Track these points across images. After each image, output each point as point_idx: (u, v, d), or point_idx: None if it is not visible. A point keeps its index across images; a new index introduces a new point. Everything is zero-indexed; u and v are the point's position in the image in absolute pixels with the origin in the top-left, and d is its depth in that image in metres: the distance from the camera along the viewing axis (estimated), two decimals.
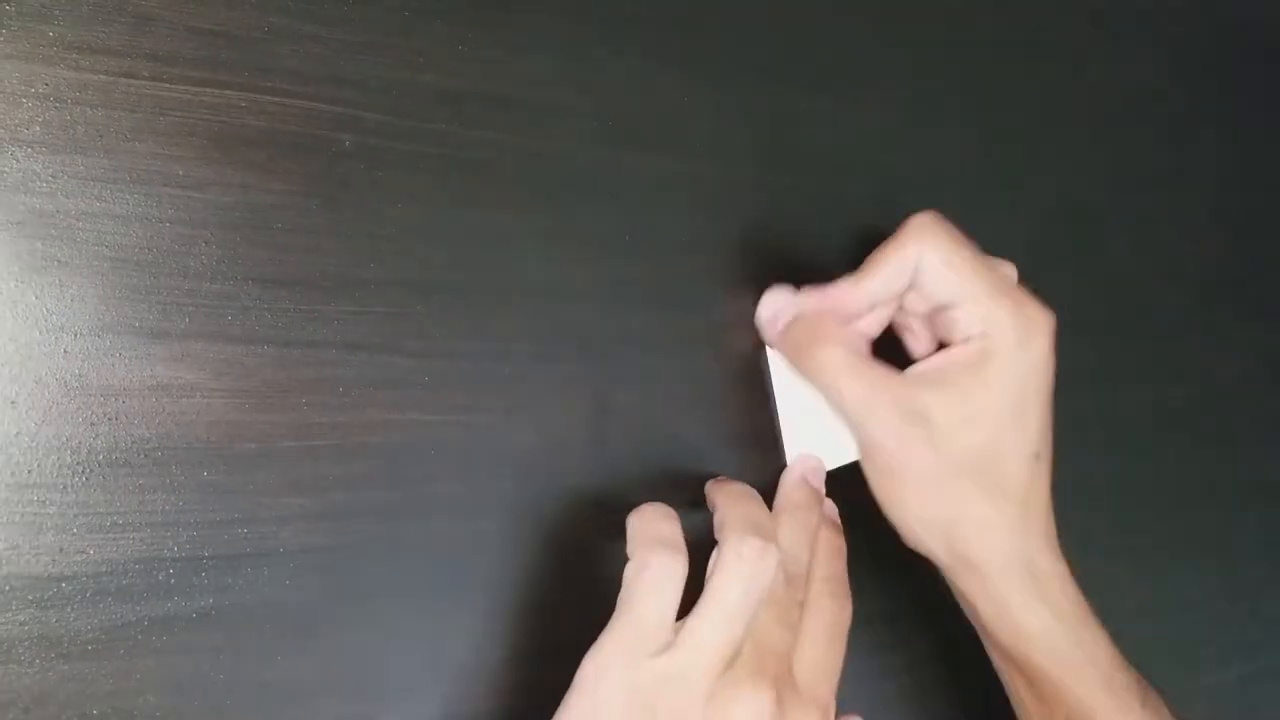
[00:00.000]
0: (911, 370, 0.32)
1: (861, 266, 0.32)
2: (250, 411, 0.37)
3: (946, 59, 0.56)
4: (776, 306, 0.32)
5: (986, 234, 0.58)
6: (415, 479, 0.40)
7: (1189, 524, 0.63)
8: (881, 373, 0.32)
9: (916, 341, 0.36)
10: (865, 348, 0.34)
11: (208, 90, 0.37)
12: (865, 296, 0.32)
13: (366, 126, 0.40)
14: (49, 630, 0.34)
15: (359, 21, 0.40)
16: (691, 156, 0.47)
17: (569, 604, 0.42)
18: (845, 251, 0.51)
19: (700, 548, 0.33)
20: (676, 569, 0.30)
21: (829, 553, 0.33)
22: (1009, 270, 0.35)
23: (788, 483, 0.34)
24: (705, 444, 0.46)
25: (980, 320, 0.31)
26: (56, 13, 0.35)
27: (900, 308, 0.35)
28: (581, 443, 0.43)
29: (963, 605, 0.35)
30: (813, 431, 0.33)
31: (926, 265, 0.31)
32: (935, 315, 0.33)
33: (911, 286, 0.32)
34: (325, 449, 0.38)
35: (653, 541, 0.30)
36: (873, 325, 0.35)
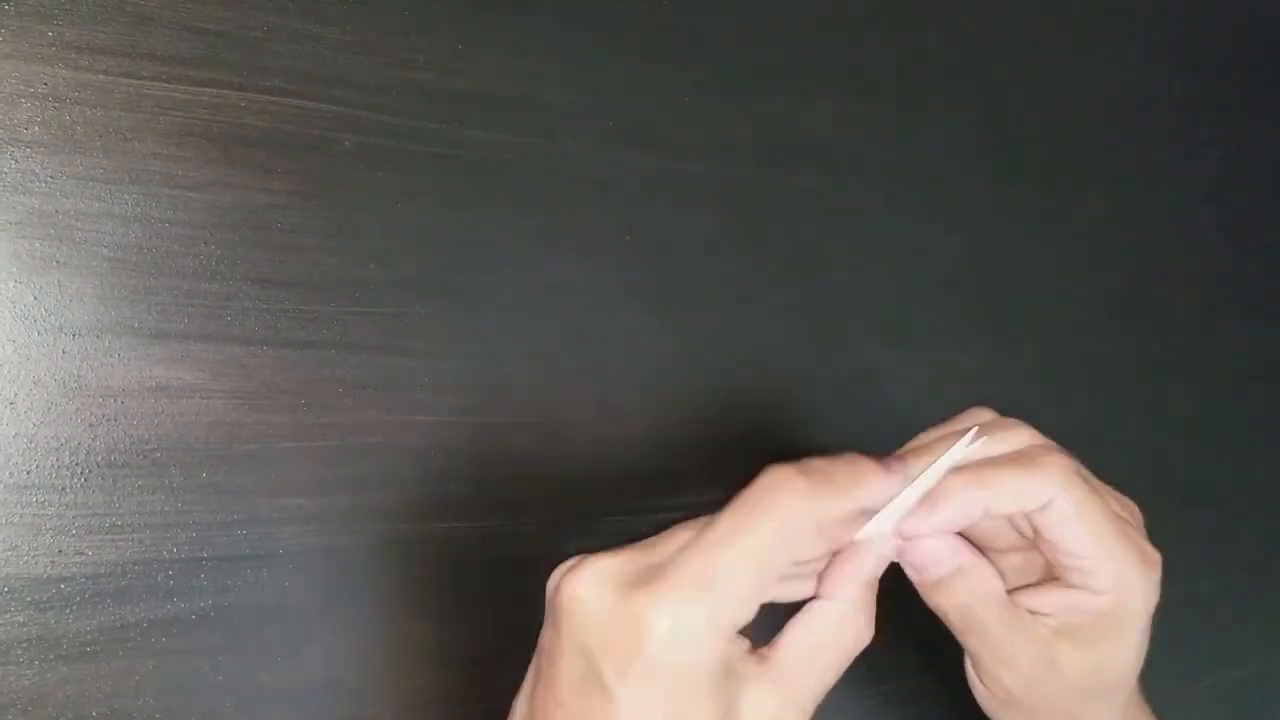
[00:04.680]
0: (1042, 615, 0.32)
1: (981, 474, 0.30)
2: (249, 412, 0.37)
3: (946, 59, 0.56)
4: (935, 557, 0.30)
5: (987, 234, 0.58)
6: (415, 479, 0.40)
7: (1189, 524, 0.62)
8: (1022, 620, 0.31)
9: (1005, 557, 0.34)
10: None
11: (207, 90, 0.37)
12: (980, 508, 0.30)
13: (366, 126, 0.40)
14: (48, 632, 0.34)
15: (358, 21, 0.40)
16: (691, 156, 0.47)
17: None
18: (845, 252, 0.51)
19: None
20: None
21: (879, 558, 0.30)
22: (1130, 507, 0.34)
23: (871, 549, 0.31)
24: (704, 444, 0.46)
25: (1113, 577, 0.31)
26: (56, 13, 0.35)
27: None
28: (582, 443, 0.43)
29: None
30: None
31: (1056, 510, 0.30)
32: (1052, 553, 0.32)
33: (1035, 527, 0.31)
34: (325, 450, 0.38)
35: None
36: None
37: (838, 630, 0.28)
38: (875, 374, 0.52)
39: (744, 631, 0.27)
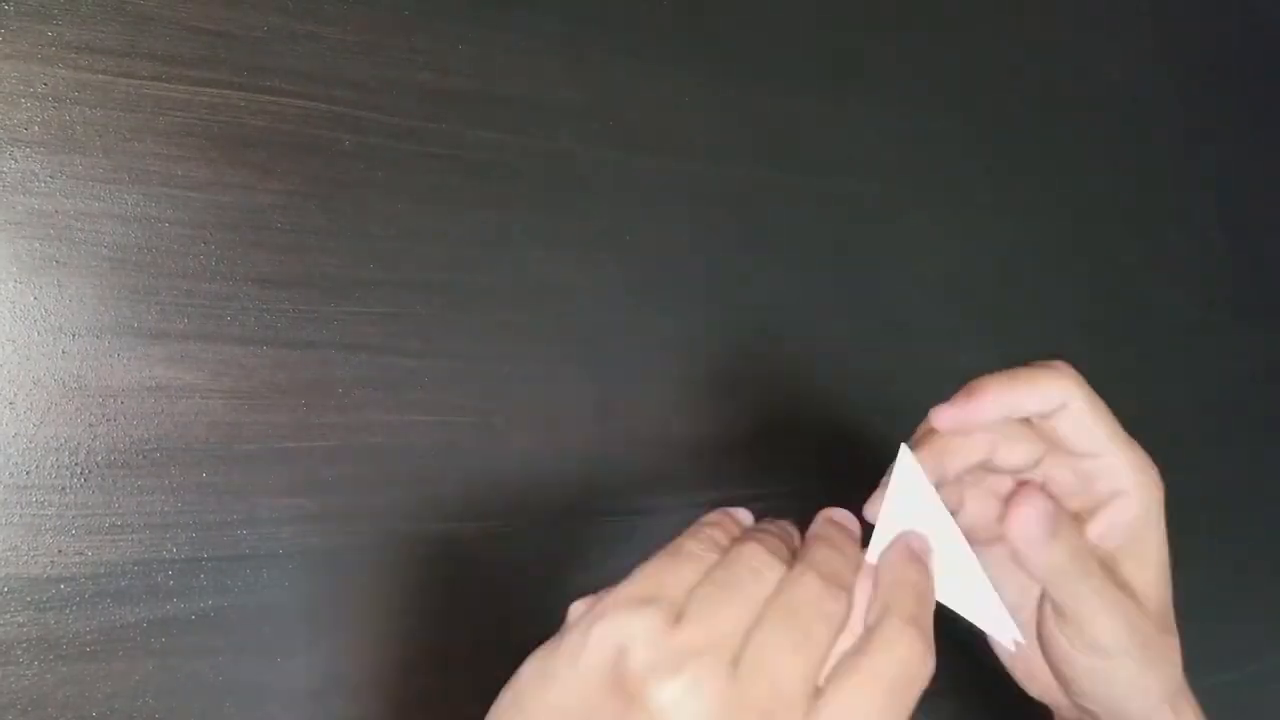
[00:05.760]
0: (1104, 544, 0.33)
1: (1009, 375, 0.32)
2: (249, 412, 0.37)
3: (946, 60, 0.56)
4: (1043, 517, 0.31)
5: (987, 234, 0.58)
6: (415, 480, 0.40)
7: (1189, 524, 0.62)
8: (1097, 564, 0.32)
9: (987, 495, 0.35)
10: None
11: (207, 90, 0.37)
12: (1010, 403, 0.32)
13: (366, 126, 0.40)
14: (47, 632, 0.34)
15: (358, 21, 0.40)
16: (691, 156, 0.47)
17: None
18: (845, 251, 0.51)
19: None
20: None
21: (913, 591, 0.29)
22: None
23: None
24: (705, 444, 0.46)
25: (1131, 473, 0.33)
26: (56, 12, 0.35)
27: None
28: (582, 442, 0.43)
29: None
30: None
31: (1073, 407, 0.32)
32: (1074, 462, 0.33)
33: (1055, 435, 0.33)
34: (325, 450, 0.38)
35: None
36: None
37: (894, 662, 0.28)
38: (875, 373, 0.52)
39: None
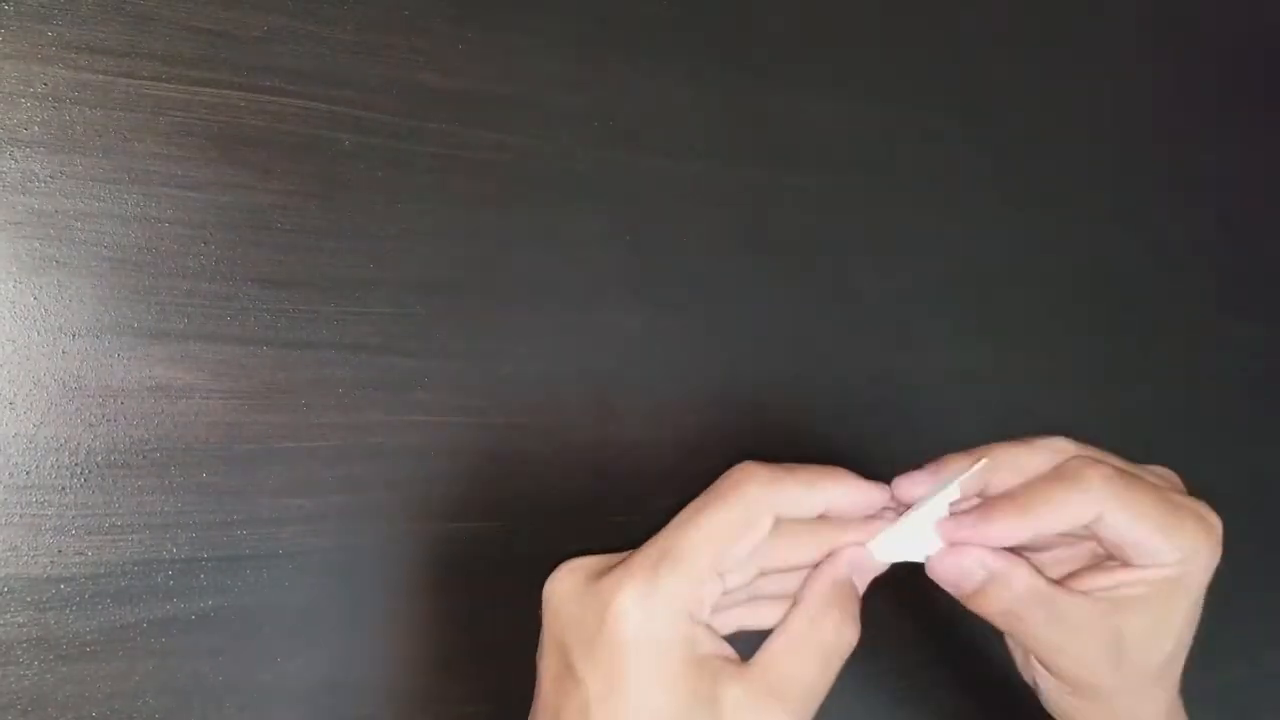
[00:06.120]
0: (1100, 592, 0.31)
1: (1026, 500, 0.30)
2: (249, 412, 0.37)
3: (946, 60, 0.56)
4: (963, 571, 0.30)
5: (987, 234, 0.58)
6: (415, 479, 0.40)
7: None
8: (1074, 604, 0.31)
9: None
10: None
11: (207, 90, 0.37)
12: (1029, 534, 0.30)
13: (366, 126, 0.40)
14: (48, 632, 0.34)
15: (359, 21, 0.40)
16: (691, 156, 0.47)
17: None
18: (846, 252, 0.51)
19: None
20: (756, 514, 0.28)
21: (852, 563, 0.30)
22: (1168, 477, 0.33)
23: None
24: (706, 444, 0.46)
25: (1174, 550, 0.31)
26: (56, 13, 0.35)
27: None
28: (582, 443, 0.43)
29: None
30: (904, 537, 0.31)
31: (1109, 518, 0.30)
32: (1115, 548, 0.31)
33: (1090, 531, 0.31)
34: (325, 450, 0.38)
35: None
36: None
37: (812, 627, 0.29)
38: (875, 374, 0.52)
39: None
